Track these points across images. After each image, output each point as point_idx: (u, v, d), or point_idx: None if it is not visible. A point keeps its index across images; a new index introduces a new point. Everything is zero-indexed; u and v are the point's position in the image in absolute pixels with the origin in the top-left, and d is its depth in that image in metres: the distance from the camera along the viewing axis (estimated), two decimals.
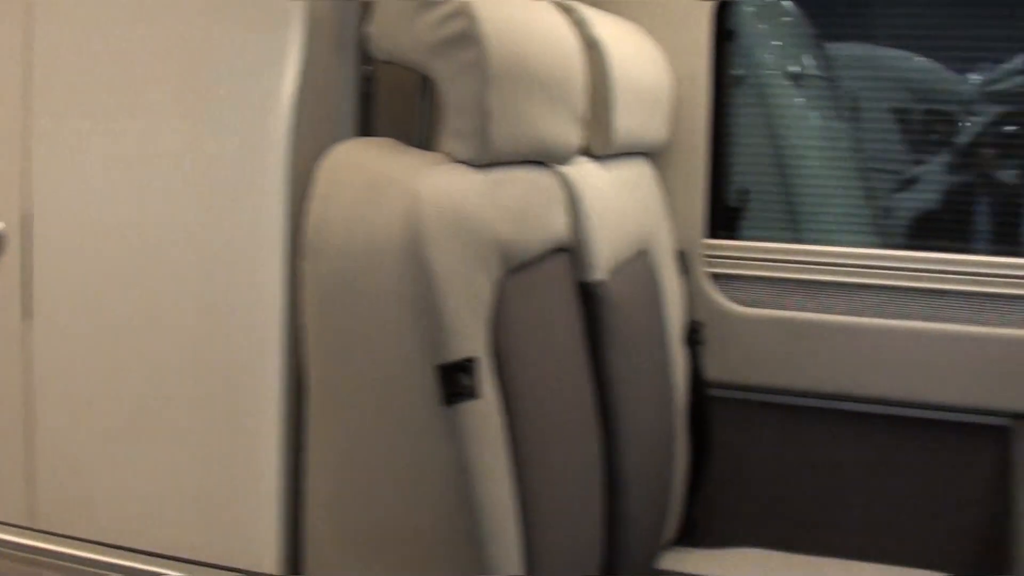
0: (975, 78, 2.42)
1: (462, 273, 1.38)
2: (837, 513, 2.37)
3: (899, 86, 2.47)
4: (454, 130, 1.46)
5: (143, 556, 1.54)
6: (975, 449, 2.22)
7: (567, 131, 1.71)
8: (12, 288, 1.60)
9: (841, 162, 2.53)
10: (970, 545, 2.28)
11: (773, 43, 2.52)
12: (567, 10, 1.90)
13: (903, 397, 2.28)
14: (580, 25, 1.90)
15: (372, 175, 1.37)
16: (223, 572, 1.49)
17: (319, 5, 1.44)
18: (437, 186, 1.37)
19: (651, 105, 2.16)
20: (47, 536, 1.62)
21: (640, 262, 2.06)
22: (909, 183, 2.48)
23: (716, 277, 2.38)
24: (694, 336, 2.32)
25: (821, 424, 2.36)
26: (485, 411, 1.39)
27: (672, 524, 2.28)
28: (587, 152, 1.94)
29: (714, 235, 2.39)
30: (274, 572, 1.45)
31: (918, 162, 2.49)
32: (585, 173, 1.84)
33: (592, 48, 1.90)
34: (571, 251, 1.75)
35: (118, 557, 1.56)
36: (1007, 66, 2.39)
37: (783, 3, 2.53)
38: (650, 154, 2.28)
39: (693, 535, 2.39)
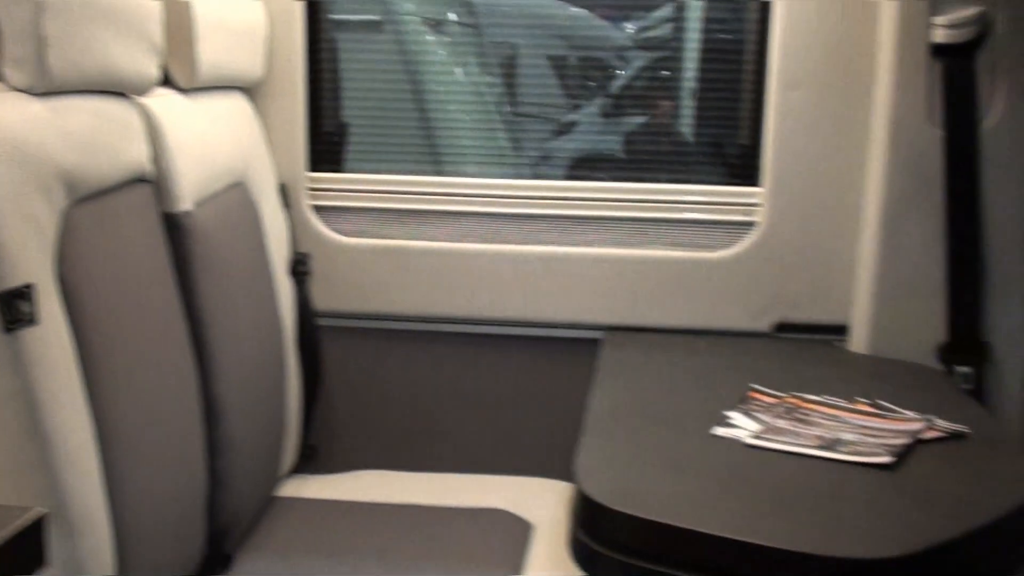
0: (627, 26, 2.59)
1: (20, 201, 1.36)
2: (450, 430, 2.51)
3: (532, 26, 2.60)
4: (11, 57, 1.44)
5: None
6: (573, 362, 2.37)
7: (142, 61, 1.70)
8: None
9: (448, 99, 2.64)
10: (571, 451, 2.46)
11: None
12: None
13: (507, 317, 2.43)
14: None
15: None
16: None
17: None
18: None
19: (242, 40, 2.17)
20: None
21: (236, 194, 2.08)
22: (506, 119, 2.64)
23: (320, 209, 2.43)
24: (299, 267, 2.36)
25: (430, 346, 2.48)
26: (50, 338, 1.38)
27: (292, 453, 2.33)
28: (173, 85, 1.93)
29: (317, 168, 2.45)
30: None
31: (531, 102, 2.64)
32: (168, 105, 1.84)
33: None
34: (153, 182, 1.76)
35: None
36: (657, 14, 2.57)
37: None
38: (247, 89, 2.29)
39: (314, 462, 2.46)
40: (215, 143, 2.01)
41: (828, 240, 2.32)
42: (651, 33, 2.57)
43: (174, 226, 1.79)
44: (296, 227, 2.39)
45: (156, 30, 1.75)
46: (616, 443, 1.72)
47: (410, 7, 2.62)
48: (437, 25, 2.66)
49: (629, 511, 1.44)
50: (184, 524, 1.75)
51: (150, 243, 1.72)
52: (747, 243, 2.35)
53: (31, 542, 1.04)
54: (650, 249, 2.39)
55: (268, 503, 2.21)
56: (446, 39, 2.67)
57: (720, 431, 1.74)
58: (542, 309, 2.42)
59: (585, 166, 2.60)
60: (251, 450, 2.01)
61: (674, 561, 1.41)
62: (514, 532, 2.12)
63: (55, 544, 1.34)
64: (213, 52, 2.00)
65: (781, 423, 1.77)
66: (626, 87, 2.60)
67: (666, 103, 2.54)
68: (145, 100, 1.77)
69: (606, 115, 2.60)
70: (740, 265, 2.35)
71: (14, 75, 1.44)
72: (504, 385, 2.48)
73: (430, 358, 2.48)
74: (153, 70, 1.75)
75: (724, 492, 1.54)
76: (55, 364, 1.39)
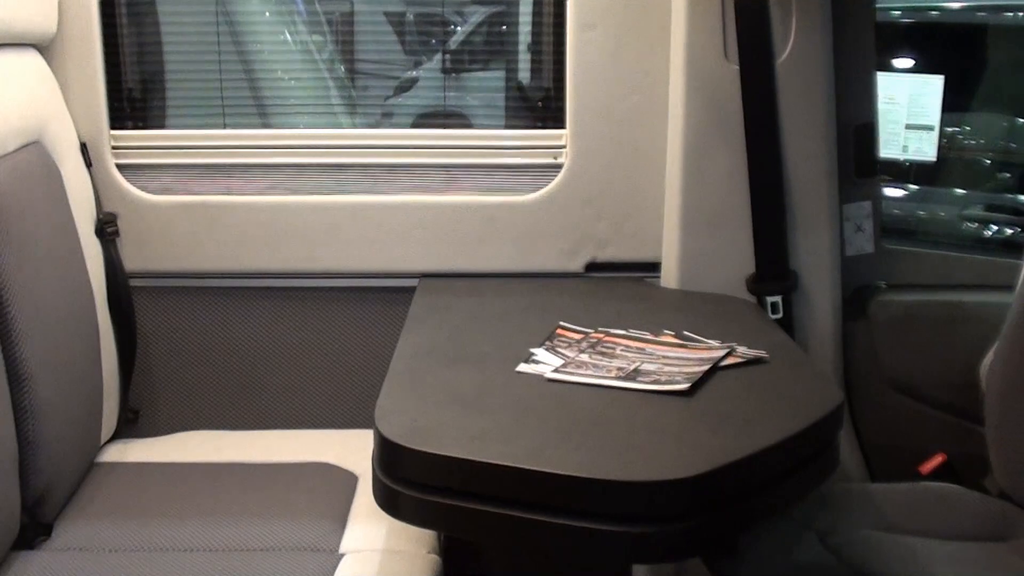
0: None
1: None
2: (272, 386, 2.49)
3: None
4: None
5: None
6: (392, 312, 2.35)
7: None
8: None
9: (253, 50, 2.60)
10: None
11: None
12: None
13: (321, 269, 2.41)
14: None
15: None
16: None
17: None
18: None
19: None
20: None
21: (32, 154, 2.01)
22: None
23: (125, 167, 2.37)
24: (107, 228, 2.30)
25: (247, 303, 2.45)
26: None
27: (112, 417, 2.28)
28: None
29: (119, 126, 2.38)
30: None
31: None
32: None
33: None
34: None
35: None
36: None
37: None
38: (40, 47, 2.21)
39: (137, 426, 2.42)
40: (4, 102, 1.93)
41: (635, 178, 2.36)
42: None
43: None
44: (101, 187, 2.33)
45: None
46: (417, 385, 1.73)
47: None
48: None
49: (423, 448, 1.46)
50: None
51: None
52: (555, 185, 2.38)
53: None
54: (461, 195, 2.40)
55: (89, 469, 2.17)
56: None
57: (523, 367, 1.77)
58: (356, 259, 2.41)
59: (397, 116, 2.60)
60: (64, 415, 1.96)
61: (471, 495, 1.43)
62: (339, 484, 2.12)
63: None
64: None
65: (584, 357, 1.81)
66: (439, 37, 2.60)
67: (479, 52, 2.55)
68: None
69: (417, 64, 2.60)
70: (550, 207, 2.38)
71: None
72: (324, 338, 2.47)
73: (247, 315, 2.46)
74: None
75: (520, 426, 1.56)
76: None
